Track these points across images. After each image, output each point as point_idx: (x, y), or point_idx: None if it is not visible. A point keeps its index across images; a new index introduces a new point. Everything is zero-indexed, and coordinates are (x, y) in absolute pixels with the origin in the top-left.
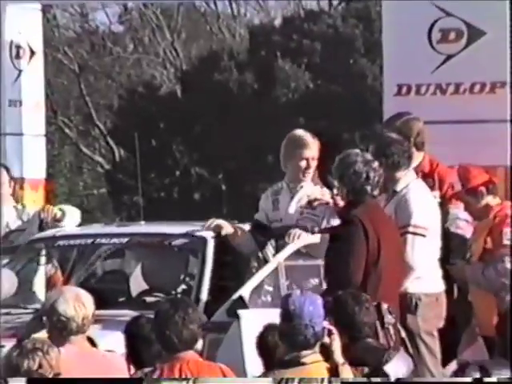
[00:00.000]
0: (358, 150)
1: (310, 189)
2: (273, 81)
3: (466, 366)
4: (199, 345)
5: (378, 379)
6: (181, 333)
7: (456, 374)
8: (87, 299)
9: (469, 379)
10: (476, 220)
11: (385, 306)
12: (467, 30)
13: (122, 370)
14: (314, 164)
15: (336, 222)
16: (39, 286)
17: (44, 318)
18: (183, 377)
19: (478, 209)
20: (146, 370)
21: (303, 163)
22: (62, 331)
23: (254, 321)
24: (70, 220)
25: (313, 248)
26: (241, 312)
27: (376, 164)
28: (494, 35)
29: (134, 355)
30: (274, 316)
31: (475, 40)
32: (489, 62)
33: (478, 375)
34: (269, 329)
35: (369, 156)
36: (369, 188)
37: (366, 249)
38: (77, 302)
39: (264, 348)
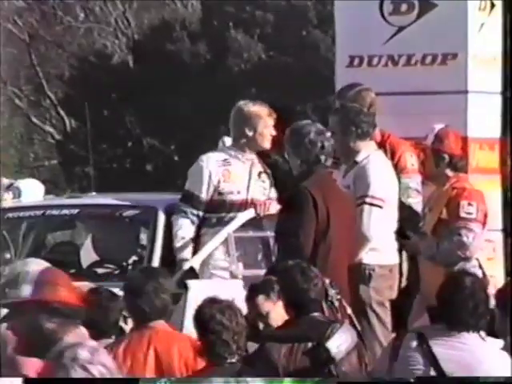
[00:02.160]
0: (310, 121)
1: (257, 161)
2: (225, 51)
3: (404, 334)
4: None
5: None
6: (152, 302)
7: (394, 342)
8: None
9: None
10: (427, 181)
11: (327, 281)
12: (418, 1)
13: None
14: (274, 132)
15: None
16: None
17: (6, 290)
18: (152, 347)
19: (433, 173)
20: (114, 340)
21: (267, 131)
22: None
23: (202, 291)
24: (30, 196)
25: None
26: (189, 282)
27: (328, 134)
28: (444, 7)
29: (91, 326)
30: (222, 287)
31: (426, 12)
32: (440, 34)
33: (414, 343)
34: (209, 302)
35: (321, 126)
36: (323, 158)
37: (315, 219)
38: None
39: (199, 320)
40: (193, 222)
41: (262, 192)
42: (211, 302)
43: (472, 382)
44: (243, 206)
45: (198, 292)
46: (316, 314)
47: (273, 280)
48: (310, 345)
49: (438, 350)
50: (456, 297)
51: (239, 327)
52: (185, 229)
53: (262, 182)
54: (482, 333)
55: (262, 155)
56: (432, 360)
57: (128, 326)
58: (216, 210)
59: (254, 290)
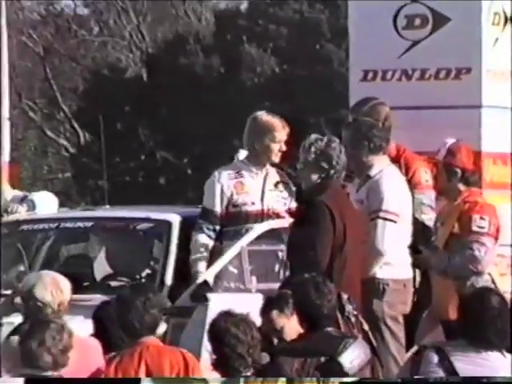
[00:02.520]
0: (322, 135)
1: (274, 171)
2: (239, 65)
3: (424, 350)
4: (161, 329)
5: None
6: (142, 317)
7: (414, 358)
8: (65, 285)
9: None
10: (439, 195)
11: (345, 297)
12: (432, 16)
13: (99, 355)
14: (284, 147)
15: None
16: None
17: (17, 301)
18: (142, 362)
19: (445, 187)
20: (108, 355)
21: (276, 146)
22: (36, 316)
23: (221, 304)
24: (44, 209)
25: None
26: (210, 295)
27: (342, 149)
28: (458, 22)
29: (103, 340)
30: (238, 300)
31: (440, 26)
32: (454, 49)
33: (435, 358)
34: (223, 315)
35: (335, 141)
36: (336, 172)
37: (332, 233)
38: (54, 288)
39: (214, 334)
40: (209, 237)
41: (281, 202)
42: (226, 316)
43: (476, 382)
44: (259, 216)
45: (217, 305)
46: (330, 328)
47: (287, 294)
48: (322, 359)
49: (460, 366)
50: (483, 316)
51: (254, 341)
52: (200, 243)
53: (280, 192)
54: (504, 350)
55: (280, 166)
56: (454, 375)
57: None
58: (233, 223)
59: (268, 304)
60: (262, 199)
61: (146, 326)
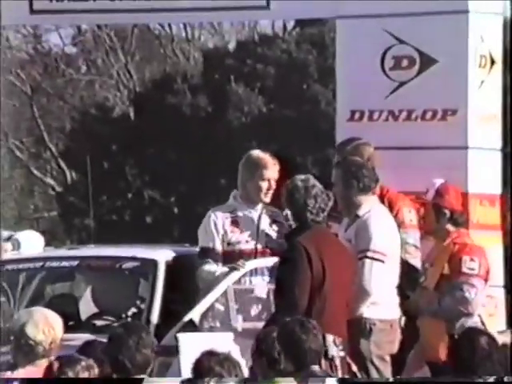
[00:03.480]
0: (303, 176)
1: (269, 210)
2: (226, 104)
3: None
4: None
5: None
6: (134, 357)
7: None
8: (57, 322)
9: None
10: (426, 237)
11: (330, 338)
12: (419, 57)
13: None
14: (274, 185)
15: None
16: None
17: (11, 338)
18: None
19: (434, 228)
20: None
21: (265, 184)
22: (27, 354)
23: (193, 344)
24: (29, 248)
25: None
26: (180, 335)
27: (317, 191)
28: (445, 63)
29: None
30: (214, 340)
31: (427, 68)
32: (440, 90)
33: None
34: (206, 354)
35: (312, 182)
36: (309, 215)
37: (310, 275)
38: (46, 326)
39: (198, 373)
40: (213, 268)
41: (275, 241)
42: (209, 355)
43: (471, 382)
44: (253, 255)
45: (190, 345)
46: (315, 367)
47: (272, 335)
48: None
49: None
50: (473, 357)
51: (239, 380)
52: (207, 271)
53: (274, 232)
54: None
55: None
56: None
57: None
58: (227, 261)
59: (257, 350)
60: (256, 238)
61: (138, 366)
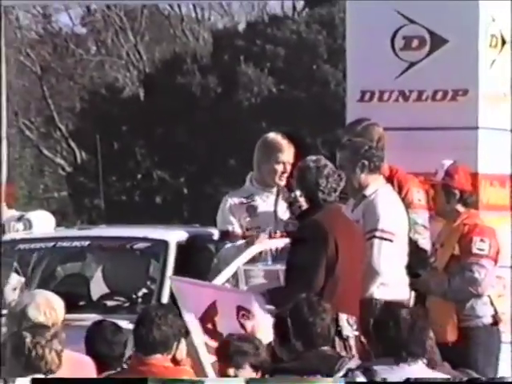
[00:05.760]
0: (315, 157)
1: (286, 193)
2: (235, 85)
3: (352, 372)
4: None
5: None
6: (156, 335)
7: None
8: (58, 305)
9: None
10: (436, 218)
11: (344, 317)
12: (430, 37)
13: (92, 372)
14: (289, 168)
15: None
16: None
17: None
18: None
19: (444, 209)
20: (108, 373)
21: (280, 167)
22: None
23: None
24: (40, 228)
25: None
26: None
27: (329, 171)
28: (456, 43)
29: (96, 358)
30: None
31: (438, 48)
32: (451, 70)
33: (363, 379)
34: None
35: (324, 163)
36: (321, 195)
37: (325, 254)
38: (48, 308)
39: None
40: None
41: (294, 225)
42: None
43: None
44: (272, 239)
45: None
46: (325, 347)
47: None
48: (319, 376)
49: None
50: (397, 330)
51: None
52: (227, 247)
53: (292, 214)
54: (425, 359)
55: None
56: None
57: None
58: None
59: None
60: (274, 223)
61: (159, 344)
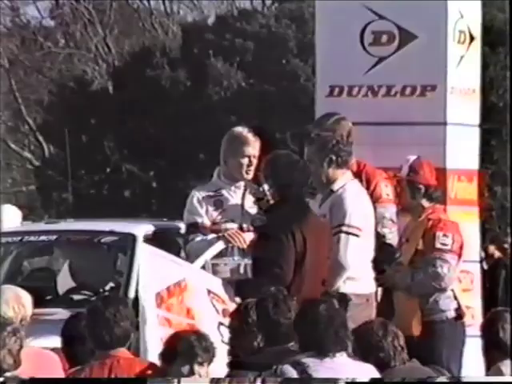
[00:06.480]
0: (283, 151)
1: (254, 187)
2: (205, 79)
3: (282, 366)
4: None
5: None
6: (112, 330)
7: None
8: (27, 300)
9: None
10: (402, 213)
11: None
12: (399, 33)
13: (57, 368)
14: (255, 162)
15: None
16: None
17: None
18: (113, 375)
19: (409, 204)
20: (74, 368)
21: (245, 160)
22: None
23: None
24: (7, 223)
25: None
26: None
27: (300, 165)
28: (425, 39)
29: (69, 353)
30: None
31: (407, 43)
32: (420, 66)
33: (294, 373)
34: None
35: (292, 157)
36: (289, 189)
37: (294, 249)
38: (16, 303)
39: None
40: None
41: (261, 220)
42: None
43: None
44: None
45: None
46: (290, 344)
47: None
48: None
49: (318, 375)
50: (318, 324)
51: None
52: (196, 241)
53: (260, 209)
54: (350, 351)
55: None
56: None
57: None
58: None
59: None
60: (241, 217)
61: (116, 339)
